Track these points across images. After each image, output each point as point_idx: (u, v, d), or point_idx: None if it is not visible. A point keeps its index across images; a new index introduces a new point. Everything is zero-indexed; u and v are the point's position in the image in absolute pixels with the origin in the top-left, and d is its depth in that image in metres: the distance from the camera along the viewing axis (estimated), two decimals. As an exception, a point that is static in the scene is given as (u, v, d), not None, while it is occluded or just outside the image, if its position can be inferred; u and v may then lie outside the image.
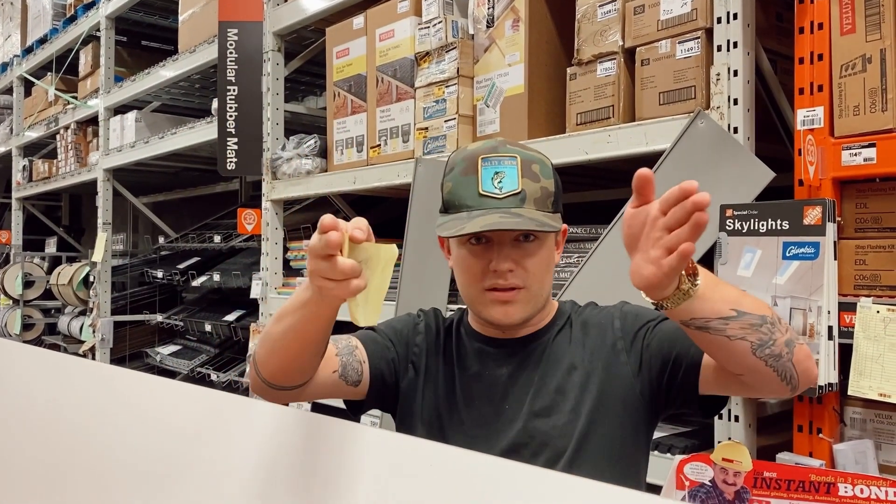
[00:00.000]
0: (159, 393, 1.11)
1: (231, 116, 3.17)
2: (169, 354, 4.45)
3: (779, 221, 1.52)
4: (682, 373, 1.10)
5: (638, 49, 1.85)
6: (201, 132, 3.60)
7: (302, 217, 3.60)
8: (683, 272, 0.91)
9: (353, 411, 1.26)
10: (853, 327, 1.44)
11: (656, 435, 1.76)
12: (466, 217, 1.10)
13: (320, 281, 0.88)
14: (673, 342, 1.11)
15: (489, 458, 0.72)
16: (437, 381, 1.21)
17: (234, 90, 3.19)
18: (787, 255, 1.50)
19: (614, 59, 1.89)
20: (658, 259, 0.87)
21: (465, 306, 1.25)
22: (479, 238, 1.13)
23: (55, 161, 5.46)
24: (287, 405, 1.08)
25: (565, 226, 1.20)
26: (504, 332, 1.20)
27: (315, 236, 0.87)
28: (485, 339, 1.22)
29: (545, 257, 1.15)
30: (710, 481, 1.64)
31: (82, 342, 5.04)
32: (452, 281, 2.33)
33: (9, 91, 6.30)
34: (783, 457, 1.52)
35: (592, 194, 2.57)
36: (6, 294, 5.88)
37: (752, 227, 1.55)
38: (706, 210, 0.85)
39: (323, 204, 3.52)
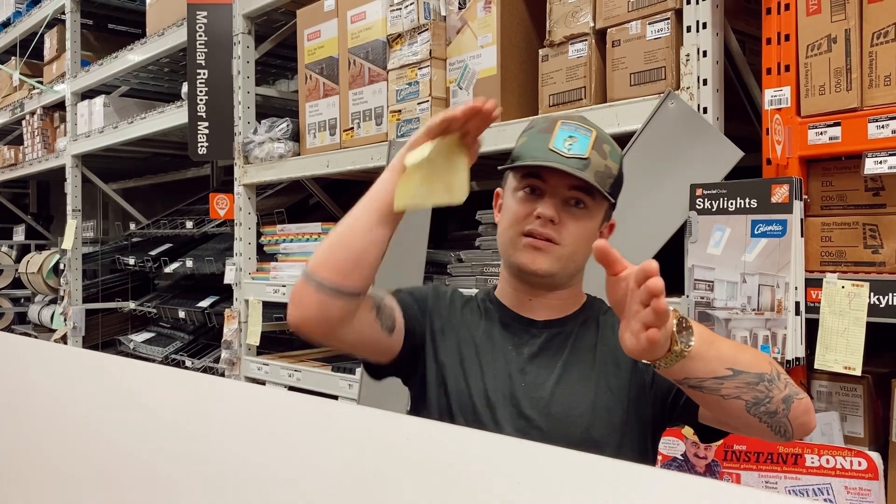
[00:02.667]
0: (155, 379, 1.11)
1: (202, 100, 3.14)
2: (142, 342, 4.41)
3: (747, 200, 1.54)
4: (683, 404, 1.11)
5: (609, 30, 1.86)
6: (171, 117, 3.55)
7: (275, 201, 3.59)
8: (676, 332, 0.92)
9: (372, 375, 1.26)
10: (819, 303, 1.48)
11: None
12: (530, 161, 1.14)
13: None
14: None
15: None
16: (456, 350, 1.21)
17: (204, 74, 3.15)
18: (756, 232, 1.53)
19: (585, 40, 1.90)
20: (637, 332, 0.89)
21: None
22: (534, 189, 1.16)
23: (21, 147, 5.37)
24: (333, 335, 1.11)
25: (614, 221, 1.23)
26: (532, 302, 1.21)
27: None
28: (512, 314, 1.22)
29: (588, 228, 1.17)
30: (681, 455, 1.67)
31: (54, 331, 4.98)
32: (428, 264, 2.34)
33: (-29, 76, 6.17)
34: (752, 430, 1.55)
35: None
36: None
37: (721, 206, 1.58)
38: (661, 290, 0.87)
39: (296, 188, 3.51)
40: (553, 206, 1.14)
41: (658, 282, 0.86)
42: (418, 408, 1.23)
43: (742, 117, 1.83)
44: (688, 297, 1.61)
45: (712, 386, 0.95)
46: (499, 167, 1.20)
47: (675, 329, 0.92)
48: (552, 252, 1.15)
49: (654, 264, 0.87)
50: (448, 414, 1.18)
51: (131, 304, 4.57)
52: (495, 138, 2.05)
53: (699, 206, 1.61)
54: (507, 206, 1.20)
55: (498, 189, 1.27)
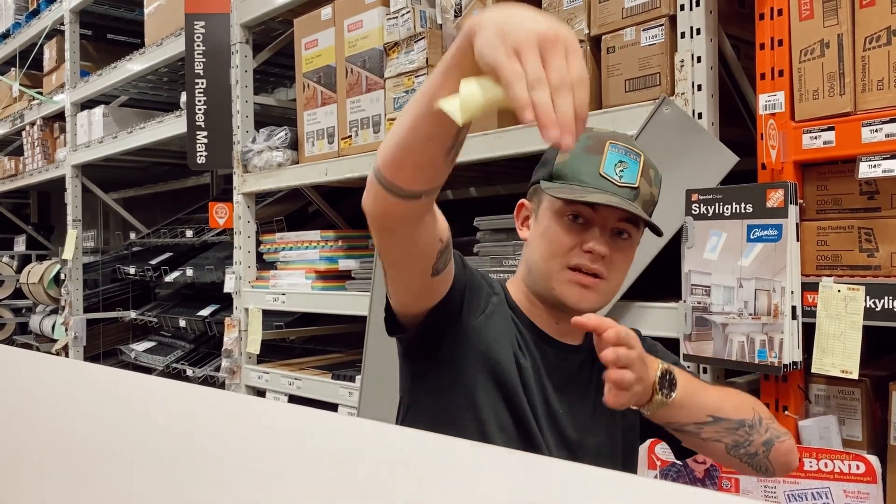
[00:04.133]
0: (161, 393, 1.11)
1: (200, 110, 3.15)
2: (143, 351, 4.42)
3: (743, 205, 1.55)
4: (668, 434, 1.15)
5: (604, 37, 1.87)
6: (170, 126, 3.57)
7: (274, 210, 3.59)
8: (658, 384, 0.98)
9: (390, 329, 1.13)
10: (816, 307, 1.48)
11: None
12: (582, 190, 1.07)
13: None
14: None
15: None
16: (498, 351, 1.11)
17: (202, 83, 3.16)
18: (752, 237, 1.53)
19: (581, 47, 1.91)
20: (608, 391, 0.95)
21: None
22: (578, 217, 1.09)
23: (22, 158, 5.38)
24: (394, 231, 0.98)
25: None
26: (559, 325, 1.15)
27: None
28: (540, 333, 1.16)
29: (630, 258, 1.14)
30: (680, 461, 1.67)
31: (55, 341, 4.98)
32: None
33: (-28, 87, 6.19)
34: (750, 434, 1.55)
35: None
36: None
37: (717, 211, 1.58)
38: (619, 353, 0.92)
39: (295, 196, 3.52)
40: (604, 241, 1.09)
41: (609, 354, 0.92)
42: (441, 385, 1.11)
43: (737, 122, 1.84)
44: (685, 302, 1.62)
45: (693, 430, 1.03)
46: (543, 185, 1.11)
47: (657, 382, 0.98)
48: (599, 289, 1.10)
49: (611, 334, 0.93)
50: (504, 410, 1.09)
51: (132, 314, 4.58)
52: (492, 145, 2.05)
53: (695, 211, 1.61)
54: (547, 232, 1.11)
55: (523, 201, 1.20)
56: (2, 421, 1.43)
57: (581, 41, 1.91)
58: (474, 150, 2.07)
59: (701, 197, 1.61)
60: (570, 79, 0.71)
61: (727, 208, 1.57)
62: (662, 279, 1.77)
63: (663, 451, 1.67)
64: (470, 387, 1.09)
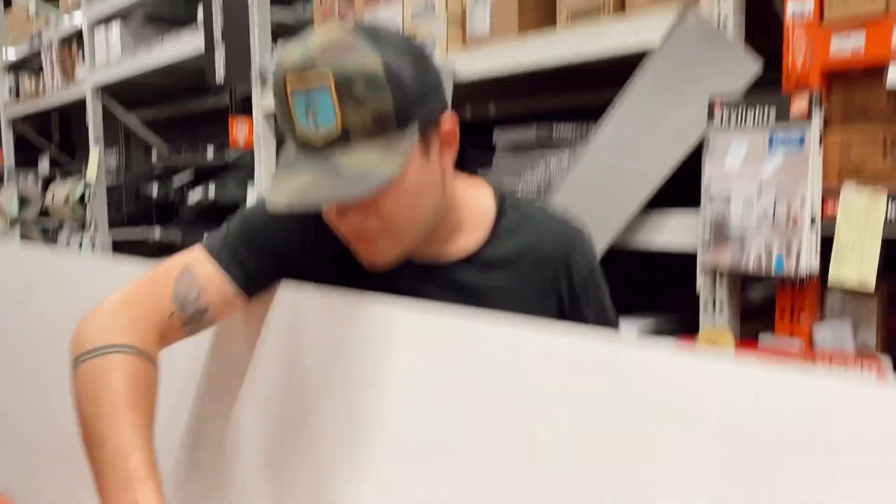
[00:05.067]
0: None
1: (217, 24, 3.12)
2: (168, 269, 4.49)
3: (766, 113, 1.53)
4: None
5: (629, -60, 1.81)
6: (188, 43, 3.53)
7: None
8: None
9: None
10: (835, 218, 1.47)
11: (643, 319, 1.83)
12: (284, 174, 0.88)
13: None
14: None
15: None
16: None
17: (219, -3, 3.12)
18: (774, 146, 1.52)
19: (607, -51, 1.85)
20: None
21: None
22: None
23: (41, 79, 5.38)
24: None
25: (449, 118, 0.95)
26: (418, 254, 1.01)
27: None
28: (407, 263, 1.01)
29: (409, 186, 0.91)
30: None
31: (82, 259, 5.08)
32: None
33: (-12, 7, 6.14)
34: (765, 339, 1.58)
35: (580, 97, 2.56)
36: (3, 215, 5.89)
37: (739, 120, 1.56)
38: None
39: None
40: (349, 211, 0.91)
41: None
42: None
43: (764, 30, 1.79)
44: (704, 211, 1.62)
45: None
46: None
47: None
48: (381, 238, 0.94)
49: None
50: None
51: (156, 233, 4.64)
52: (514, 55, 2.02)
53: (716, 119, 1.59)
54: None
55: None
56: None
57: (605, -54, 1.86)
58: (489, 62, 2.05)
59: (723, 104, 1.58)
60: None
61: (749, 116, 1.55)
62: (683, 190, 1.76)
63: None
64: None
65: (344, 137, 0.85)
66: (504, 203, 1.07)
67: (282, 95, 0.86)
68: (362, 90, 0.84)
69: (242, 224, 1.03)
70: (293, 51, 0.87)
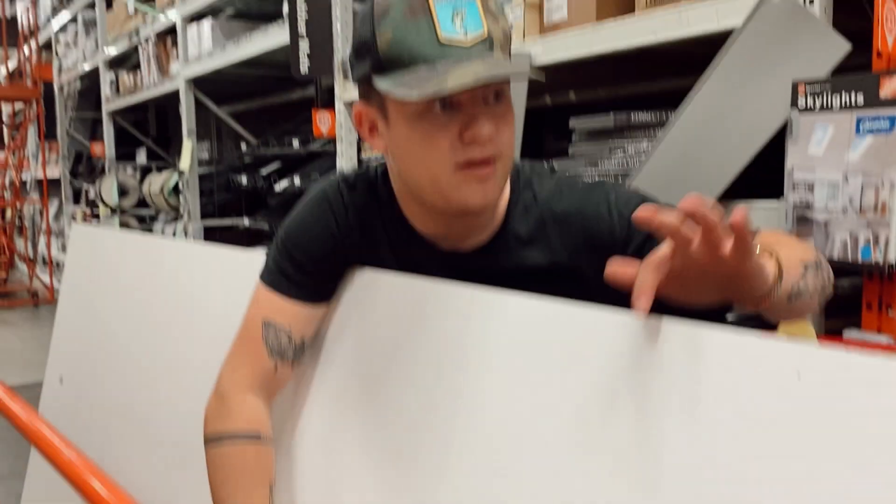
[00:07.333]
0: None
1: (301, 18, 3.20)
2: (257, 256, 4.65)
3: (853, 95, 1.47)
4: None
5: (710, -79, 1.76)
6: (274, 37, 3.64)
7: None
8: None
9: None
10: (930, 204, 1.41)
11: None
12: (430, 75, 0.86)
13: None
14: None
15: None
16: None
17: (303, -9, 3.21)
18: (861, 129, 1.46)
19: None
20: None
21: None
22: (445, 103, 0.89)
23: (139, 73, 5.64)
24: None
25: None
26: (449, 236, 1.01)
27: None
28: (428, 247, 1.03)
29: (512, 116, 0.94)
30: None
31: (176, 247, 5.31)
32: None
33: (91, 6, 6.48)
34: (850, 334, 1.52)
35: (660, 84, 2.52)
36: (104, 203, 6.23)
37: (824, 103, 1.51)
38: None
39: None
40: (483, 119, 0.89)
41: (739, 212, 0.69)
42: None
43: (853, 10, 1.72)
44: (786, 199, 1.57)
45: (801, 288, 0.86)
46: (378, 83, 0.90)
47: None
48: (497, 173, 0.93)
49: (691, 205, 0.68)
50: None
51: (245, 221, 4.81)
52: (592, 41, 2.00)
53: (801, 103, 1.54)
54: (413, 138, 0.91)
55: (359, 108, 0.98)
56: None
57: (686, -73, 1.81)
58: (566, 48, 2.03)
59: (808, 88, 1.53)
60: None
61: (836, 99, 1.49)
62: (766, 176, 1.71)
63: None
64: None
65: (489, 44, 0.89)
66: (516, 180, 1.04)
67: (420, 3, 0.87)
68: (495, 7, 0.91)
69: (281, 247, 1.08)
70: None
